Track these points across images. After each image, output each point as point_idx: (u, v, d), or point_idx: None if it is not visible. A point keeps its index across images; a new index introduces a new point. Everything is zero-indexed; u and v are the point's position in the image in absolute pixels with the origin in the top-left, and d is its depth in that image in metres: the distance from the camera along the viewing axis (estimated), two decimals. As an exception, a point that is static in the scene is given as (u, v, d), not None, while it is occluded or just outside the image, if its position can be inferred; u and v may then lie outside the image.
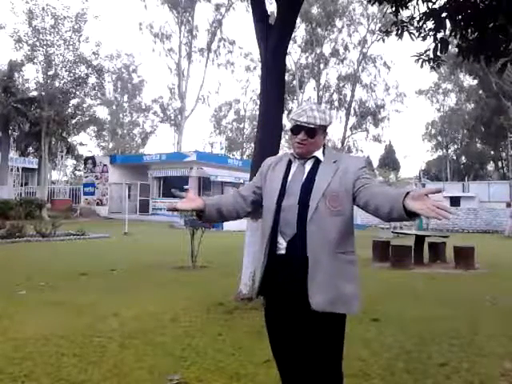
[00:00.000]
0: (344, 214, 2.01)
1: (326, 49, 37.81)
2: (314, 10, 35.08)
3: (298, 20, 27.05)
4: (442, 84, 45.40)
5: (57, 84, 23.29)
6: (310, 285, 1.94)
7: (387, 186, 1.81)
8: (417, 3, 5.29)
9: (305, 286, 1.95)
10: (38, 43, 22.55)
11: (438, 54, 5.28)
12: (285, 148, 41.18)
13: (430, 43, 5.31)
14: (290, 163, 2.16)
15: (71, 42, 23.08)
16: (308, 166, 2.11)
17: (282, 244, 2.01)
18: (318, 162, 2.11)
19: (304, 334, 2.02)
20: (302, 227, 1.97)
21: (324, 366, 2.03)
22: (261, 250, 2.12)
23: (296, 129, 2.07)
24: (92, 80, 24.49)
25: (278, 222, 2.03)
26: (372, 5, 5.69)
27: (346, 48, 37.88)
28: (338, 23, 36.51)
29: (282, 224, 2.01)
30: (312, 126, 2.04)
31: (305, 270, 1.95)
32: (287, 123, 40.44)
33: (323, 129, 2.10)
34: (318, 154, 2.12)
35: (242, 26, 45.58)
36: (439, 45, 5.14)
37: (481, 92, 36.91)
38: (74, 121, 26.48)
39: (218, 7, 35.83)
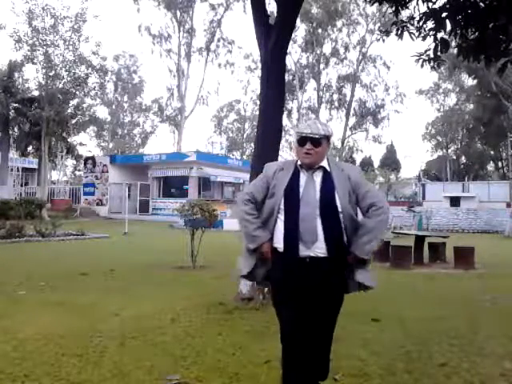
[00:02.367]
0: (356, 214, 2.39)
1: (326, 49, 37.86)
2: (314, 10, 35.05)
3: (298, 20, 27.05)
4: (442, 84, 45.42)
5: (57, 84, 23.29)
6: (356, 273, 2.38)
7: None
8: (417, 3, 5.28)
9: (328, 279, 2.31)
10: (37, 43, 22.55)
11: (439, 53, 5.28)
12: (285, 148, 41.09)
13: (430, 43, 5.30)
14: (296, 170, 2.39)
15: (71, 42, 23.09)
16: (317, 177, 2.36)
17: (305, 248, 2.26)
18: (325, 171, 2.37)
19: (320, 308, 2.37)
20: (327, 235, 2.26)
21: (327, 330, 2.45)
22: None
23: (302, 140, 2.32)
24: (92, 80, 24.52)
25: (293, 229, 2.27)
26: (372, 5, 5.69)
27: (345, 48, 37.88)
28: (338, 23, 36.50)
29: (303, 232, 2.26)
30: (317, 137, 2.30)
31: (324, 266, 2.28)
32: (287, 123, 40.31)
33: (326, 139, 2.36)
34: (325, 164, 2.38)
35: (241, 27, 45.56)
36: (439, 45, 5.13)
37: (480, 92, 36.90)
38: (73, 121, 26.48)
39: (213, 7, 35.76)
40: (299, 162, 2.40)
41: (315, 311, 2.37)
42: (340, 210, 2.28)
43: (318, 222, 2.26)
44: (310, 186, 2.31)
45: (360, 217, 2.42)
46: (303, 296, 2.33)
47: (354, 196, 2.35)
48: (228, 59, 38.73)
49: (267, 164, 2.56)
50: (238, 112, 51.36)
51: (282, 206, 2.33)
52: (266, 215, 2.39)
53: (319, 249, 2.26)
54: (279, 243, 2.32)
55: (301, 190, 2.31)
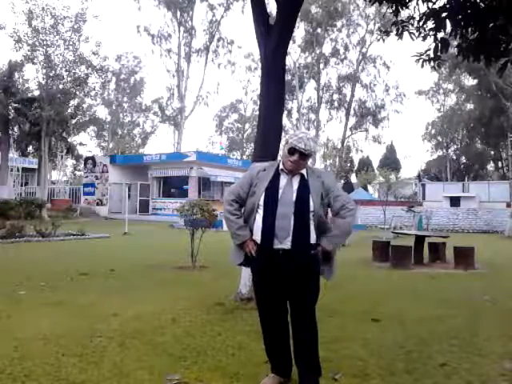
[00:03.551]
0: (326, 214, 2.75)
1: (326, 49, 37.85)
2: (314, 10, 35.01)
3: (298, 20, 27.04)
4: (442, 84, 45.38)
5: (57, 84, 23.28)
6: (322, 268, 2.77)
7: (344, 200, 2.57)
8: (417, 3, 5.28)
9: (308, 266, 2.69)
10: (37, 43, 22.54)
11: (439, 53, 5.27)
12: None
13: (430, 43, 5.30)
14: (277, 173, 2.72)
15: (71, 42, 23.08)
16: (295, 181, 2.69)
17: (278, 242, 2.63)
18: (303, 177, 2.70)
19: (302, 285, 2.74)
20: (297, 231, 2.61)
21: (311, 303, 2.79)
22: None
23: (292, 150, 2.64)
24: (92, 80, 24.51)
25: (270, 225, 2.63)
26: (372, 5, 5.68)
27: (345, 48, 37.87)
28: (338, 23, 36.48)
29: (278, 229, 2.61)
30: (306, 153, 2.63)
31: (294, 257, 2.64)
32: (287, 123, 40.24)
33: (312, 155, 2.73)
34: (303, 171, 2.73)
35: (242, 26, 45.57)
36: (439, 45, 5.13)
37: (480, 92, 36.89)
38: (73, 121, 26.47)
39: (212, 7, 35.73)
40: (281, 166, 2.73)
41: (292, 294, 2.74)
42: (312, 210, 2.63)
43: (292, 220, 2.60)
44: (288, 189, 2.66)
45: (329, 216, 2.77)
46: (278, 281, 2.70)
47: (326, 199, 2.70)
48: (228, 59, 38.77)
49: (253, 164, 2.97)
50: (239, 112, 51.37)
51: (262, 203, 2.67)
52: (247, 211, 2.77)
53: (290, 242, 2.61)
54: (257, 236, 2.70)
55: (280, 191, 2.66)
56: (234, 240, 2.80)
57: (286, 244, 2.61)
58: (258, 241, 2.69)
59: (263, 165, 2.84)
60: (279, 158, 3.13)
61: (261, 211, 2.67)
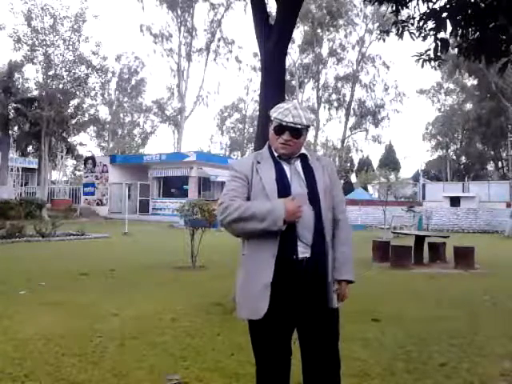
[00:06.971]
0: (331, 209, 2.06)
1: (325, 49, 37.88)
2: (313, 10, 35.03)
3: (297, 20, 27.03)
4: (444, 84, 45.40)
5: (57, 84, 23.29)
6: (330, 283, 2.00)
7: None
8: (417, 3, 5.28)
9: (325, 286, 1.99)
10: (37, 43, 22.55)
11: (439, 54, 5.28)
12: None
13: (430, 43, 5.30)
14: (276, 162, 2.03)
15: (71, 42, 23.09)
16: (299, 165, 2.04)
17: (303, 248, 1.92)
18: (304, 159, 2.06)
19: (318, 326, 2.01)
20: (317, 229, 1.95)
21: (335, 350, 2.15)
22: (262, 259, 1.92)
23: (280, 129, 1.96)
24: (92, 80, 24.52)
25: (290, 226, 1.89)
26: (372, 4, 5.69)
27: (343, 48, 37.91)
28: (336, 23, 36.50)
29: (300, 229, 1.92)
30: (298, 127, 1.95)
31: (325, 269, 1.99)
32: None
33: (307, 129, 2.02)
34: (303, 151, 2.07)
35: (243, 26, 45.61)
36: (440, 45, 5.13)
37: (480, 92, 36.90)
38: (73, 121, 26.47)
39: (213, 6, 35.80)
40: (276, 153, 2.03)
41: (310, 330, 2.00)
42: (323, 204, 1.97)
43: (312, 217, 1.95)
44: (296, 178, 2.00)
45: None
46: (297, 311, 1.95)
47: (330, 186, 2.05)
48: (228, 58, 38.83)
49: (234, 162, 2.18)
50: (241, 112, 51.40)
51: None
52: None
53: (309, 248, 1.94)
54: (269, 244, 1.92)
55: (290, 182, 1.98)
56: (275, 223, 1.85)
57: (312, 250, 1.93)
58: (273, 251, 1.89)
59: (251, 157, 2.10)
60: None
61: None
